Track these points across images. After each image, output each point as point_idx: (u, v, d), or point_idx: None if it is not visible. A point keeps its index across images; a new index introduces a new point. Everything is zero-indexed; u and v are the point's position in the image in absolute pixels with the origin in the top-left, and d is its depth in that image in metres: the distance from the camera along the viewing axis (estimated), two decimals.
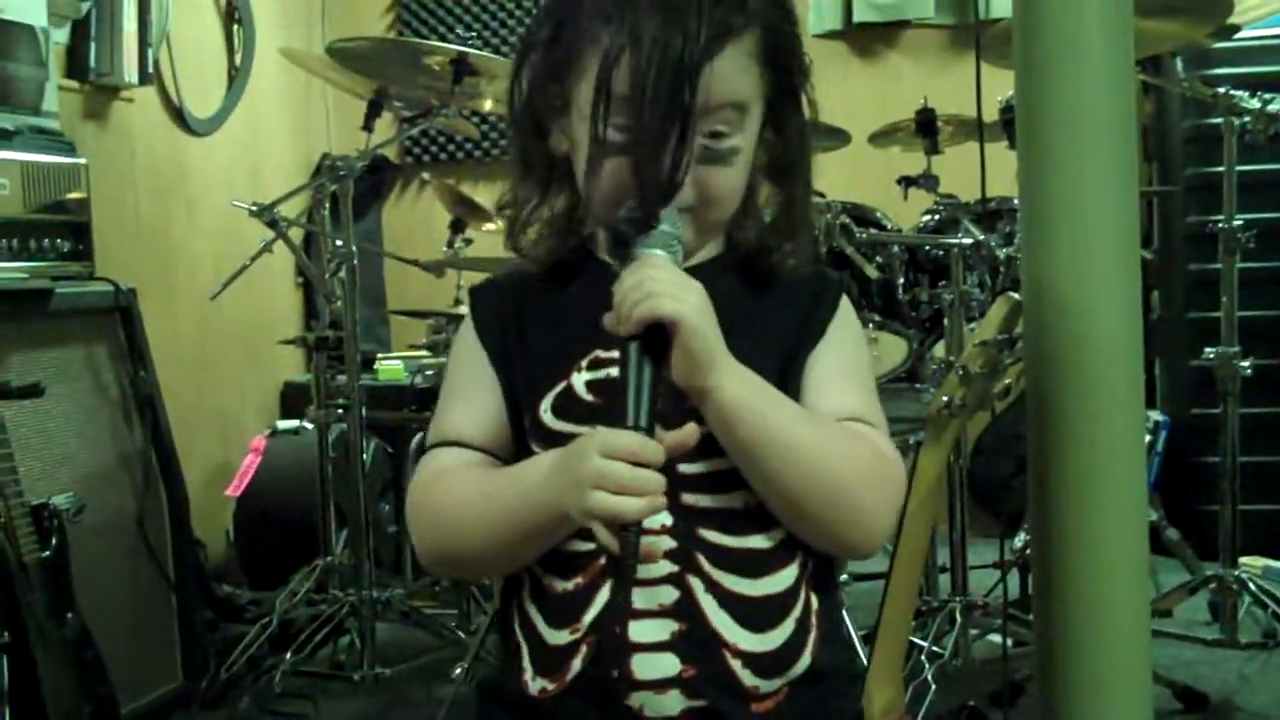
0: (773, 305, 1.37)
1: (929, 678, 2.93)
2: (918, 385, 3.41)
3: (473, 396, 1.39)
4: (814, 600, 1.34)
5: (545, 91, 1.35)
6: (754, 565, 1.31)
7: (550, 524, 1.25)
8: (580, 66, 1.29)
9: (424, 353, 4.45)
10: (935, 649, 3.08)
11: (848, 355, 1.38)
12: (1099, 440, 1.76)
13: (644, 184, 1.24)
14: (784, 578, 1.32)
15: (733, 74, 1.27)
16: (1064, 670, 1.79)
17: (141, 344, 3.20)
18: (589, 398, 1.32)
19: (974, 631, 3.18)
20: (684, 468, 1.27)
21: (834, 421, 1.31)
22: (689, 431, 1.22)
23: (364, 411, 3.52)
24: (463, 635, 3.50)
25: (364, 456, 3.54)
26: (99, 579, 2.88)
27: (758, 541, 1.31)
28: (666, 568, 1.28)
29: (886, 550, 2.11)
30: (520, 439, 1.37)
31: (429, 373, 4.24)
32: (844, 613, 1.48)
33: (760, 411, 1.25)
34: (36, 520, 2.58)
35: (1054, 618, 1.81)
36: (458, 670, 3.21)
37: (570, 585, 1.31)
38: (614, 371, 1.29)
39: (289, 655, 3.35)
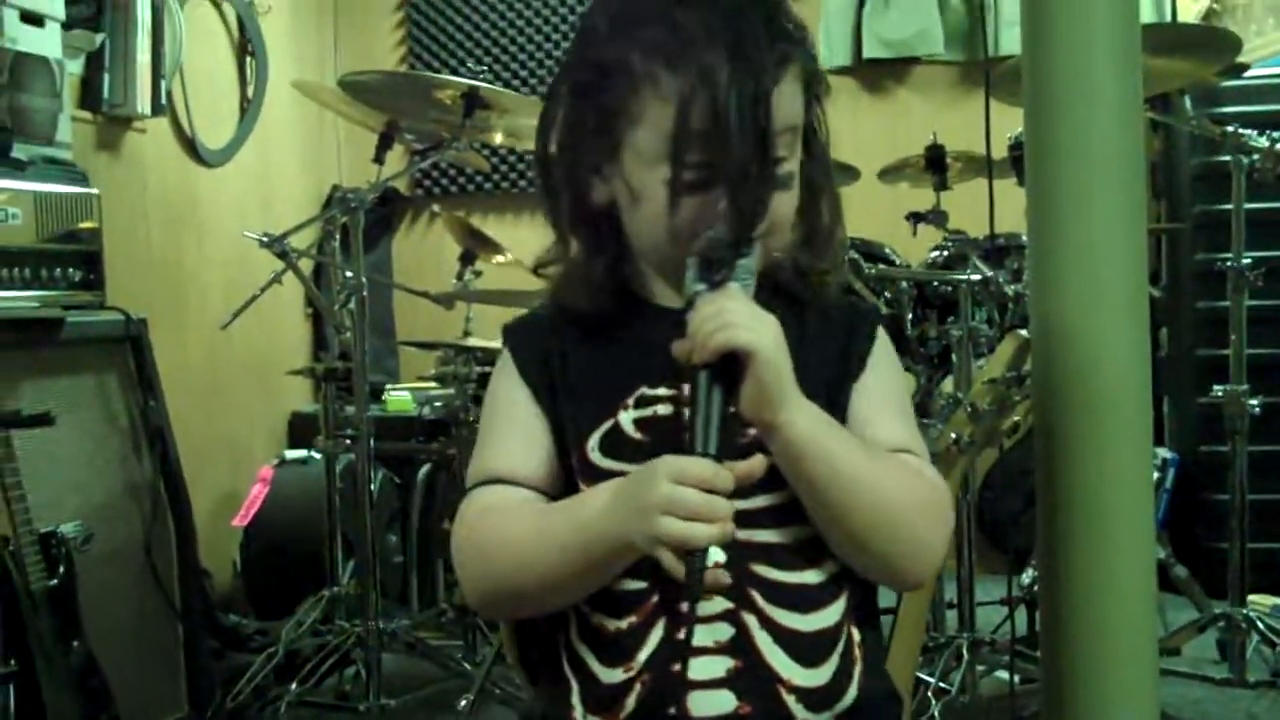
0: (814, 334, 1.37)
1: (936, 714, 2.93)
2: (926, 420, 3.40)
3: (517, 433, 1.38)
4: (856, 633, 1.35)
5: (586, 144, 1.33)
6: (806, 600, 1.32)
7: (609, 555, 1.25)
8: (636, 112, 1.29)
9: (433, 384, 4.45)
10: (942, 685, 3.07)
11: (890, 386, 1.40)
12: (1107, 477, 1.76)
13: (739, 213, 1.25)
14: (833, 612, 1.33)
15: (791, 98, 1.30)
16: (1071, 708, 1.79)
17: (151, 373, 3.21)
18: (637, 435, 1.32)
19: (981, 668, 3.17)
20: (739, 504, 1.25)
21: (887, 454, 1.33)
22: (757, 463, 1.22)
23: (372, 442, 3.52)
24: (468, 667, 3.49)
25: (371, 487, 3.54)
26: (106, 607, 2.88)
27: (810, 576, 1.32)
28: (721, 604, 1.29)
29: None
30: (568, 477, 1.36)
31: (437, 404, 4.25)
32: (881, 643, 1.47)
33: (827, 447, 1.26)
34: (44, 548, 2.59)
35: (1061, 655, 1.80)
36: (463, 702, 3.21)
37: (624, 624, 1.30)
38: (661, 409, 1.32)
39: (294, 686, 3.35)
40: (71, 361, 3.01)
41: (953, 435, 1.97)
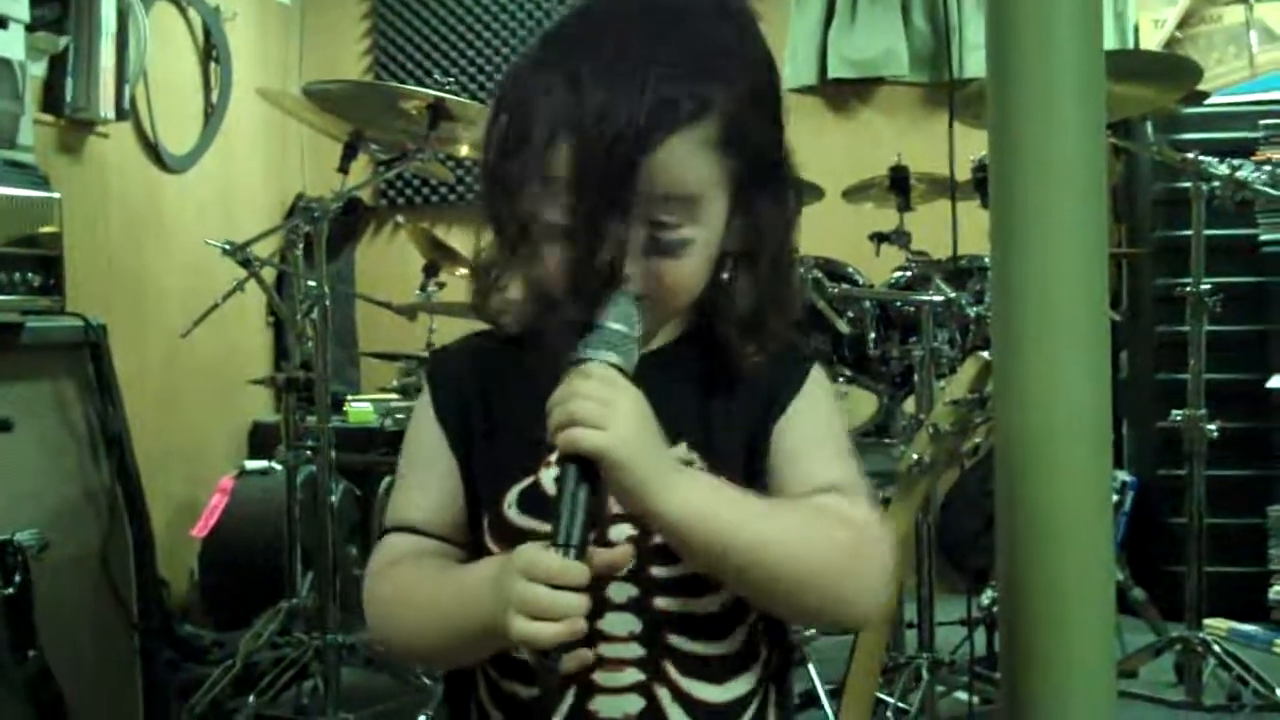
0: (738, 384, 1.30)
1: None
2: (888, 440, 3.42)
3: (429, 480, 1.33)
4: (771, 693, 1.33)
5: (510, 156, 1.25)
6: (721, 670, 1.28)
7: (487, 638, 1.18)
8: (530, 137, 1.22)
9: (394, 395, 4.44)
10: (901, 705, 3.08)
11: (817, 423, 1.31)
12: (1067, 500, 1.77)
13: (580, 278, 1.18)
14: (747, 679, 1.30)
15: (681, 162, 1.19)
16: None
17: (110, 380, 3.18)
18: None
19: (940, 688, 3.18)
20: (656, 571, 1.24)
21: (806, 502, 1.24)
22: (621, 553, 1.18)
23: (333, 453, 3.50)
24: (427, 682, 3.47)
25: (332, 499, 3.53)
26: (61, 617, 2.85)
27: (725, 646, 1.28)
28: (633, 676, 1.25)
29: None
30: (477, 526, 1.31)
31: (399, 416, 4.24)
32: (792, 698, 1.44)
33: (711, 518, 1.17)
34: (0, 557, 2.56)
35: (1020, 675, 1.81)
36: (421, 717, 3.19)
37: (535, 691, 1.26)
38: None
39: (252, 698, 3.33)
40: (29, 367, 2.98)
41: (914, 456, 1.97)
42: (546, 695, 1.14)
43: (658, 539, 1.23)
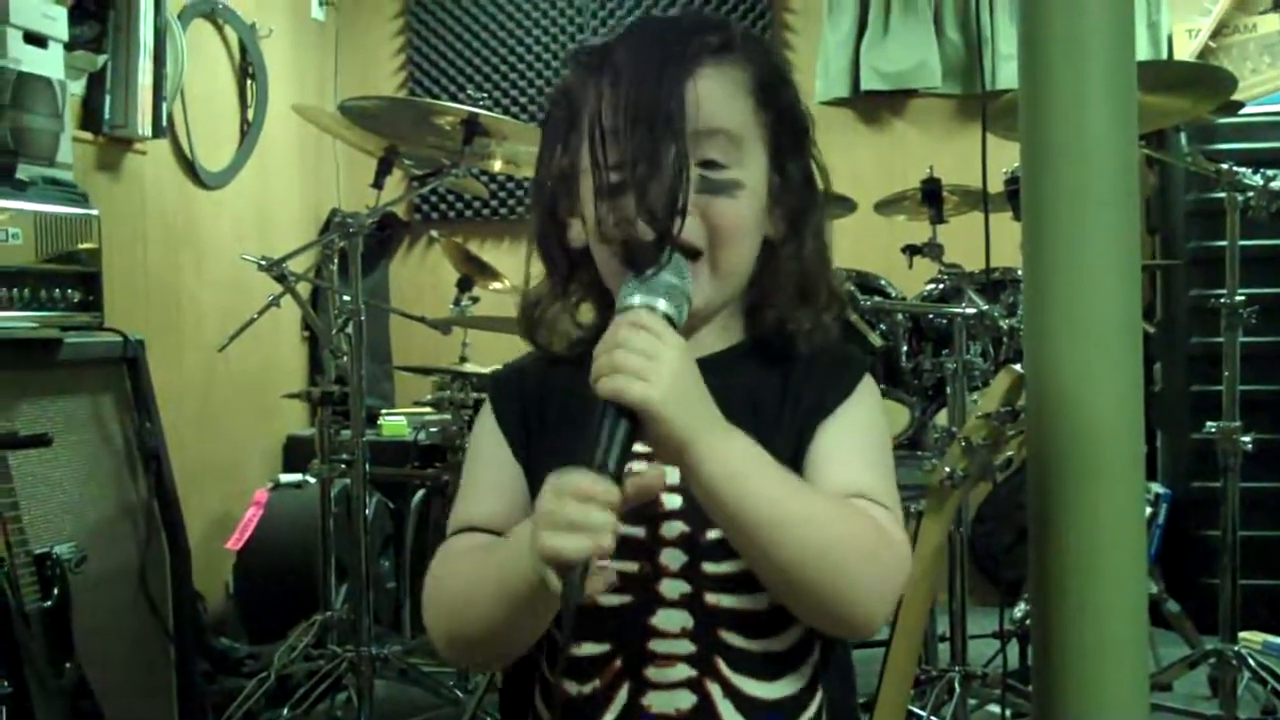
0: (791, 382, 1.32)
1: None
2: (920, 453, 3.41)
3: (493, 484, 1.35)
4: (821, 695, 1.33)
5: (558, 175, 1.32)
6: (772, 667, 1.28)
7: (524, 588, 1.17)
8: (579, 129, 1.29)
9: (428, 409, 4.46)
10: (934, 718, 3.07)
11: (859, 432, 1.31)
12: (1100, 512, 1.76)
13: (647, 209, 1.21)
14: (798, 678, 1.30)
15: (721, 97, 1.27)
16: None
17: (148, 395, 3.21)
18: None
19: (972, 701, 3.17)
20: (709, 568, 1.25)
21: (835, 497, 1.25)
22: (655, 476, 1.17)
23: (367, 467, 3.52)
24: (460, 694, 3.49)
25: (366, 512, 3.54)
26: (98, 629, 2.87)
27: (777, 643, 1.29)
28: (685, 672, 1.26)
29: (886, 618, 2.11)
30: None
31: (432, 429, 4.26)
32: (855, 696, 1.44)
33: (743, 487, 1.17)
34: (39, 569, 2.58)
35: (1053, 689, 1.80)
36: None
37: (587, 689, 1.28)
38: (638, 467, 1.22)
39: (286, 711, 3.35)
40: (68, 382, 3.01)
41: (947, 469, 1.97)
42: (565, 617, 1.11)
43: (711, 535, 1.25)
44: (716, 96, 1.26)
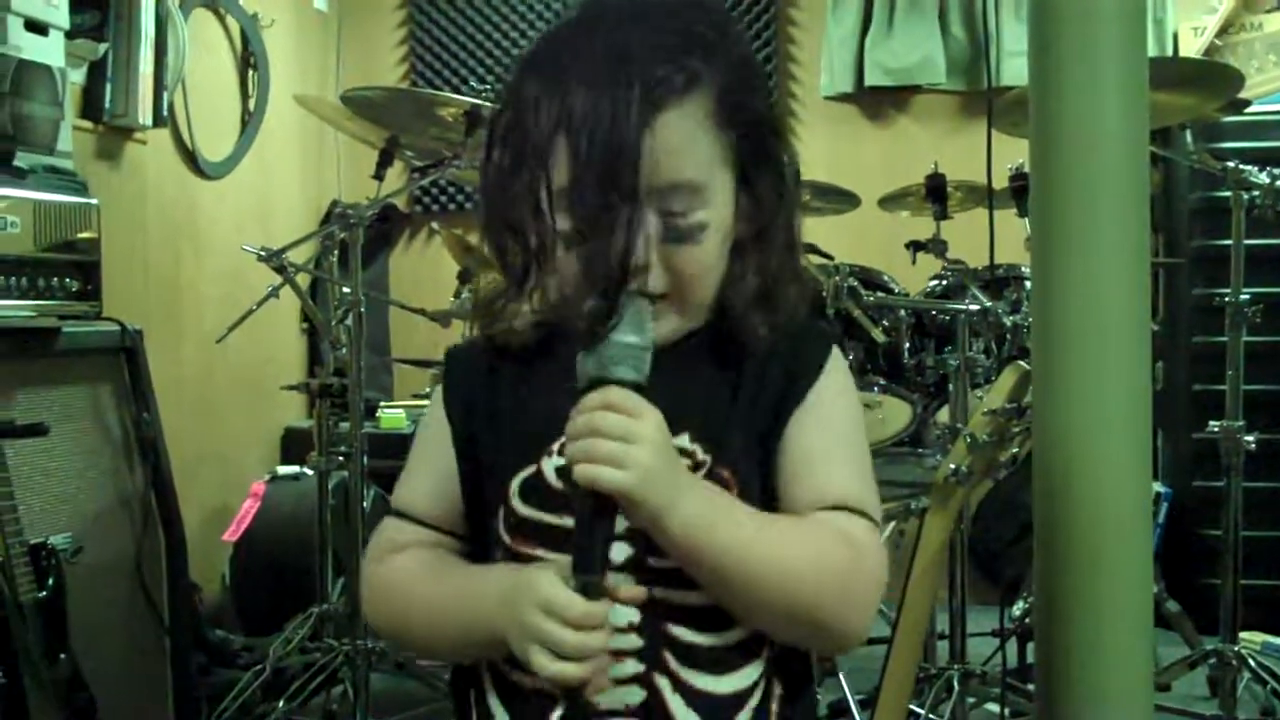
0: (753, 376, 1.29)
1: None
2: (921, 450, 3.40)
3: (431, 472, 1.37)
4: (776, 687, 1.31)
5: (510, 182, 1.27)
6: (722, 662, 1.27)
7: (494, 644, 1.22)
8: (526, 153, 1.23)
9: (427, 402, 4.43)
10: (932, 717, 3.06)
11: (835, 422, 1.30)
12: (1105, 512, 1.75)
13: (597, 275, 1.18)
14: (749, 672, 1.29)
15: (682, 147, 1.21)
16: None
17: (146, 385, 3.20)
18: (559, 484, 1.26)
19: (971, 700, 3.16)
20: (655, 562, 1.24)
21: (807, 521, 1.25)
22: (636, 593, 1.22)
23: (365, 459, 3.51)
24: None
25: (363, 504, 3.53)
26: (93, 620, 2.86)
27: (726, 637, 1.28)
28: (633, 667, 1.25)
29: (888, 616, 2.10)
30: (477, 517, 1.34)
31: None
32: (814, 696, 1.42)
33: (714, 543, 1.19)
34: (34, 560, 2.57)
35: (1054, 688, 1.79)
36: None
37: (537, 684, 1.24)
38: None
39: (281, 703, 3.33)
40: (66, 372, 3.00)
41: (952, 466, 1.96)
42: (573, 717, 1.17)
43: None
44: (678, 148, 1.20)
